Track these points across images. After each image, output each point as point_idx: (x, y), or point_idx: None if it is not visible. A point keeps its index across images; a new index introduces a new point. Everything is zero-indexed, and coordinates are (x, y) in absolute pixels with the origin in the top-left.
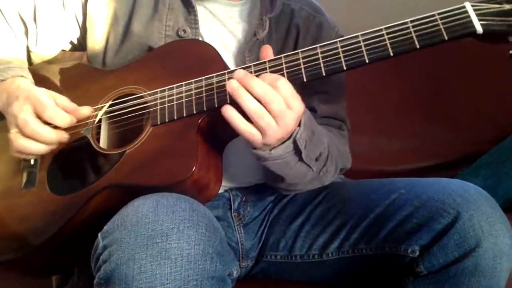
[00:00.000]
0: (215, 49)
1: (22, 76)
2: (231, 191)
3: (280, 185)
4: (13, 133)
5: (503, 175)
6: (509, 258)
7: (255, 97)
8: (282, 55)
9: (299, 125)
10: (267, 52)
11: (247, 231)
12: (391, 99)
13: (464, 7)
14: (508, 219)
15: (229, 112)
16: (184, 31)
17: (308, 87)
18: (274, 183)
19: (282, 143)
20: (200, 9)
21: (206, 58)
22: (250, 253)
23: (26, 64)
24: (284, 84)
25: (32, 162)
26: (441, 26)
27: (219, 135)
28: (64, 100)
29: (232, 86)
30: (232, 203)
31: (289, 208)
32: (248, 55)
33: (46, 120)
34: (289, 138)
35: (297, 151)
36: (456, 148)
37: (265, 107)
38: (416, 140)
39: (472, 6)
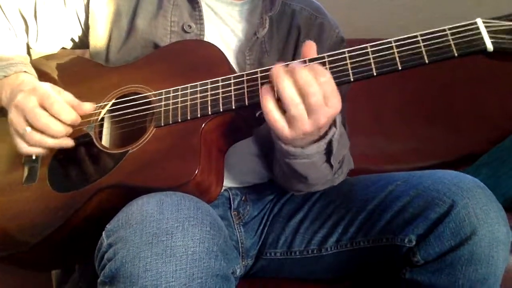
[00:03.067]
0: (222, 51)
1: (25, 71)
2: (231, 190)
3: (297, 187)
4: (30, 133)
5: (503, 175)
6: (506, 246)
7: (296, 86)
8: (288, 63)
9: (335, 126)
10: (311, 49)
11: (246, 230)
12: (392, 100)
13: (475, 23)
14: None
15: (264, 91)
16: (190, 26)
17: None
18: (291, 184)
19: (316, 141)
20: (203, 6)
21: (212, 60)
22: (250, 252)
23: (27, 60)
24: (328, 80)
25: (34, 157)
26: (452, 42)
27: (222, 138)
28: (69, 95)
29: (277, 70)
30: (231, 202)
31: (288, 206)
32: (248, 53)
33: (52, 114)
34: (324, 137)
35: (328, 152)
36: (456, 149)
37: (303, 98)
38: (417, 141)
39: (484, 22)
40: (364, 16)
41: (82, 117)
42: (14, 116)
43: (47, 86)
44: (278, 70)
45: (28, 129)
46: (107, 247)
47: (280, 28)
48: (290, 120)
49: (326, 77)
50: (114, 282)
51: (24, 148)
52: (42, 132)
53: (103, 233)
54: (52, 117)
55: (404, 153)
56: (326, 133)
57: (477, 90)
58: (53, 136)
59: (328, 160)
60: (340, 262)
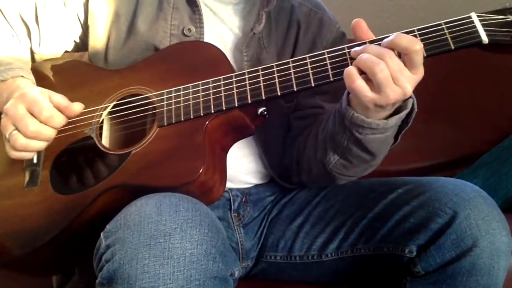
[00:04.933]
0: (222, 52)
1: (22, 76)
2: (231, 191)
3: (352, 171)
4: (14, 134)
5: (503, 175)
6: (507, 256)
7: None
8: (290, 60)
9: (410, 96)
10: (363, 27)
11: (246, 232)
12: None
13: (470, 17)
14: (507, 220)
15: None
16: (189, 30)
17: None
18: (348, 169)
19: (394, 114)
20: (201, 7)
21: (213, 60)
22: (250, 253)
23: (28, 65)
24: (421, 46)
25: (35, 160)
26: (448, 36)
27: (225, 137)
28: (58, 97)
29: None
30: (232, 204)
31: (288, 208)
32: (245, 50)
33: (41, 121)
34: (400, 110)
35: (402, 125)
36: (456, 148)
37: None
38: (416, 140)
39: (478, 16)
40: (364, 17)
41: (83, 119)
42: (3, 122)
43: (35, 92)
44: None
45: (14, 132)
46: (105, 248)
47: (279, 24)
48: (376, 86)
49: (419, 45)
50: (112, 284)
51: (11, 153)
52: (33, 138)
53: (102, 234)
54: (42, 123)
55: (404, 153)
56: (399, 107)
57: (477, 91)
58: (44, 141)
59: (397, 135)
60: (341, 269)
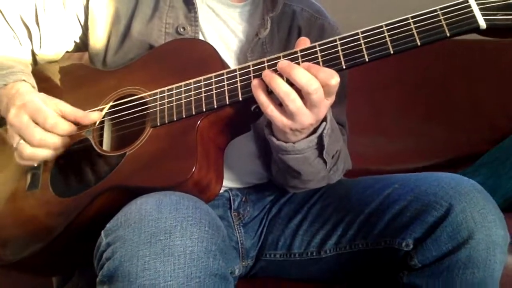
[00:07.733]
0: (214, 48)
1: (23, 80)
2: (231, 191)
3: (292, 182)
4: (20, 144)
5: (503, 175)
6: (503, 249)
7: (298, 86)
8: (281, 54)
9: (324, 120)
10: (305, 44)
11: (247, 231)
12: (391, 99)
13: (467, 1)
14: (506, 219)
15: (254, 87)
16: (184, 28)
17: None
18: (286, 180)
19: (307, 136)
20: (203, 8)
21: (205, 57)
22: (250, 252)
23: (29, 68)
24: (337, 80)
25: (35, 164)
26: (443, 22)
27: (219, 135)
28: (69, 108)
29: (268, 72)
30: (232, 203)
31: (287, 207)
32: (250, 55)
33: (47, 130)
34: (314, 132)
35: (319, 146)
36: (456, 148)
37: (305, 96)
38: (416, 140)
39: (476, 0)
40: (363, 18)
41: (88, 125)
42: (9, 132)
43: (37, 100)
44: (268, 72)
45: (21, 142)
46: (105, 246)
47: (281, 29)
48: (289, 114)
49: (336, 78)
50: (112, 281)
51: (19, 161)
52: (40, 147)
53: (102, 232)
54: (47, 131)
55: (403, 153)
56: (316, 128)
57: (477, 90)
58: (51, 149)
59: (320, 155)
60: (339, 265)
